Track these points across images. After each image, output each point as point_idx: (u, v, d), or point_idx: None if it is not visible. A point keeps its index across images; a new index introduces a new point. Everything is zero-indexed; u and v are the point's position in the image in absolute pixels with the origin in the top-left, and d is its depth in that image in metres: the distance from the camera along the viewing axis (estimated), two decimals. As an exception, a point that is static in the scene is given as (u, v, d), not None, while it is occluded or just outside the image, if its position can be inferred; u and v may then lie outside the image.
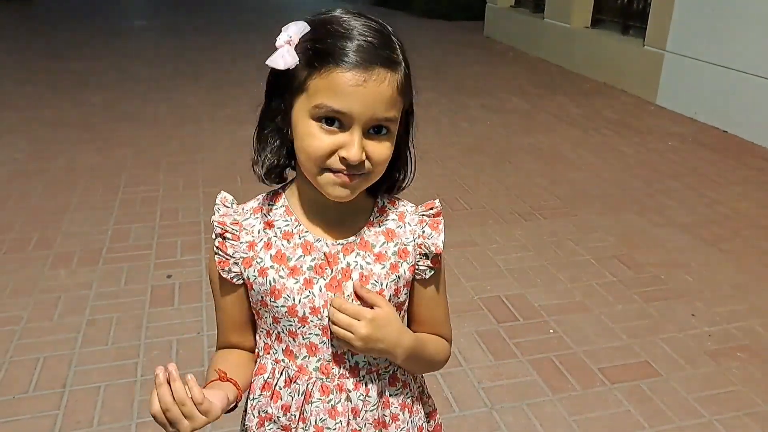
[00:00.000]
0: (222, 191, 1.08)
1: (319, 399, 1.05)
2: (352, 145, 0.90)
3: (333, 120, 0.90)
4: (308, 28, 0.92)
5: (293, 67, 0.91)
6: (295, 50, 0.91)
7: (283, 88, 0.95)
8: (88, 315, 2.84)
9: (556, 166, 4.83)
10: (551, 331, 2.81)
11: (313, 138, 0.92)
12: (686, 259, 3.47)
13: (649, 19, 6.76)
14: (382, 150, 0.94)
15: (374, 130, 0.93)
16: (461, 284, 3.12)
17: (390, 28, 0.96)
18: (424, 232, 1.06)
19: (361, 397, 1.06)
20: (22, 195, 4.10)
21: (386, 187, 1.07)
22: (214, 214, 1.05)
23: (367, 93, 0.89)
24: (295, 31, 0.92)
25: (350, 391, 1.05)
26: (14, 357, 2.56)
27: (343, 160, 0.91)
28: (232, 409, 1.02)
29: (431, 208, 1.08)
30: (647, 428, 2.26)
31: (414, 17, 12.09)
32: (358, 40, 0.90)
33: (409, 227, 1.07)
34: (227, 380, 1.02)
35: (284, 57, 0.90)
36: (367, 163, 0.93)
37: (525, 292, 3.08)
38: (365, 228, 1.05)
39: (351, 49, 0.89)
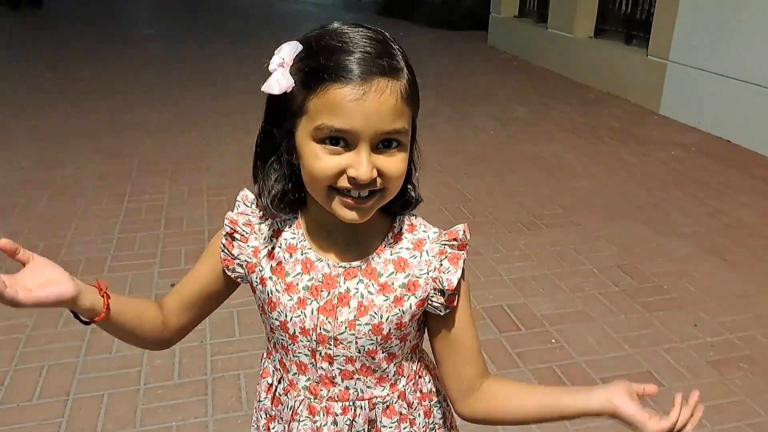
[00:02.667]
0: (245, 188, 1.04)
1: (307, 417, 1.03)
2: (360, 163, 0.84)
3: (338, 140, 0.85)
4: (301, 47, 0.87)
5: (290, 90, 0.86)
6: (290, 72, 0.86)
7: (283, 113, 0.90)
8: (93, 323, 2.86)
9: (559, 175, 4.84)
10: (553, 340, 2.81)
11: (318, 160, 0.86)
12: (689, 268, 3.47)
13: (652, 29, 6.78)
14: (394, 164, 0.88)
15: (384, 144, 0.86)
16: (464, 293, 3.13)
17: (388, 35, 0.89)
18: (441, 264, 0.97)
19: (348, 422, 1.02)
20: (29, 203, 4.13)
21: (401, 203, 0.98)
22: (232, 210, 1.02)
23: (368, 107, 0.82)
24: (287, 52, 0.87)
25: (337, 415, 1.02)
26: (19, 365, 2.58)
27: (352, 180, 0.85)
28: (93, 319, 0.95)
29: (455, 239, 0.98)
30: (649, 438, 2.26)
31: (418, 26, 12.14)
32: (353, 51, 0.84)
33: (425, 257, 0.98)
34: (102, 291, 0.97)
35: (279, 81, 0.86)
36: (379, 180, 0.87)
37: (527, 302, 3.09)
38: (374, 254, 0.98)
39: (346, 63, 0.83)
